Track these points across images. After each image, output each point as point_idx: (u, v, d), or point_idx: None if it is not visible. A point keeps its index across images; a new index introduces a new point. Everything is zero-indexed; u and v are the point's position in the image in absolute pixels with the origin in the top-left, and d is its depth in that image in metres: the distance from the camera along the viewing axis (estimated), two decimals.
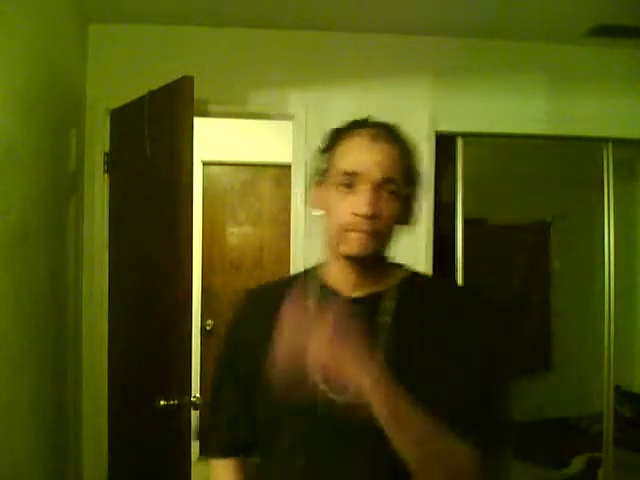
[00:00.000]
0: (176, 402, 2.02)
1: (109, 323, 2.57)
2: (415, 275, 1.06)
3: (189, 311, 2.10)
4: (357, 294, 1.00)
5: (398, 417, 0.86)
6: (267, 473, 1.03)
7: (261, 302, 1.09)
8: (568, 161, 3.08)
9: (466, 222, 2.84)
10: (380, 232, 0.95)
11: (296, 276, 1.13)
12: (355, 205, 0.93)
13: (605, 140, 2.88)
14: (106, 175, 2.60)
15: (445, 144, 2.78)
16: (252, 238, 4.23)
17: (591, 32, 2.62)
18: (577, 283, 3.37)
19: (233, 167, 4.21)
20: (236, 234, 4.23)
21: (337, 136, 1.02)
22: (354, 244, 0.94)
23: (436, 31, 2.68)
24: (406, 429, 0.87)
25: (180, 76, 2.14)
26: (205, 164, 4.11)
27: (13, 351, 1.76)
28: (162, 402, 2.02)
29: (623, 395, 3.12)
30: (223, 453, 1.13)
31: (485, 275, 3.19)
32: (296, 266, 2.66)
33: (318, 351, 0.86)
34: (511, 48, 2.77)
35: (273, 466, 1.02)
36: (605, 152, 2.90)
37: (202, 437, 1.11)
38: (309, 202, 1.05)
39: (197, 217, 3.86)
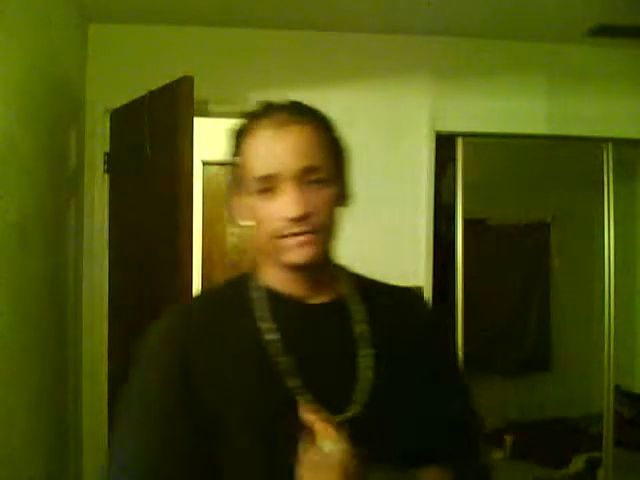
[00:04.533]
0: None
1: (109, 323, 2.57)
2: (363, 278, 0.94)
3: None
4: (315, 301, 0.87)
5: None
6: None
7: (207, 321, 0.89)
8: (568, 161, 3.08)
9: (466, 222, 2.84)
10: (319, 230, 0.81)
11: (234, 286, 0.94)
12: (282, 209, 0.79)
13: (605, 140, 2.88)
14: (106, 175, 2.60)
15: (445, 144, 2.78)
16: (252, 238, 4.23)
17: (591, 32, 2.62)
18: (577, 283, 3.37)
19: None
20: (236, 234, 4.23)
21: (241, 134, 0.84)
22: (295, 252, 0.81)
23: (436, 31, 2.68)
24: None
25: (180, 76, 2.14)
26: (205, 164, 4.11)
27: (13, 351, 1.76)
28: None
29: (623, 395, 3.12)
30: None
31: (485, 275, 3.19)
32: None
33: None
34: (511, 48, 2.77)
35: None
36: (605, 152, 2.90)
37: None
38: (233, 215, 0.90)
39: (197, 217, 3.85)
